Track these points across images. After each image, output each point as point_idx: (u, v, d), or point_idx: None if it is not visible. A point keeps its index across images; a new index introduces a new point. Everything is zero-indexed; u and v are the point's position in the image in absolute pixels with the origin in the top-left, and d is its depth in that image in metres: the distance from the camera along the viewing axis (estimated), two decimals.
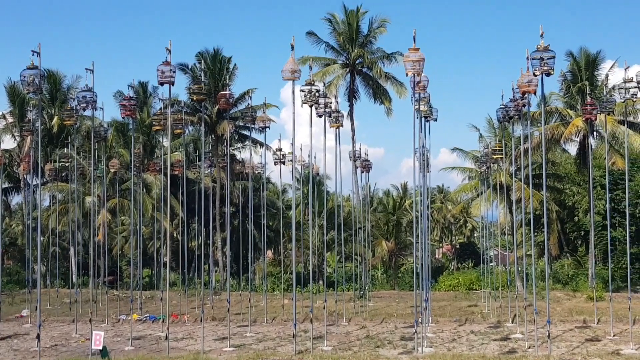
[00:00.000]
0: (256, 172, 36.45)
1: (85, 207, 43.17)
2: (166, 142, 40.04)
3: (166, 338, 18.86)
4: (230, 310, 22.27)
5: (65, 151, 35.41)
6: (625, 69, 20.76)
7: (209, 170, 37.84)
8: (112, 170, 35.72)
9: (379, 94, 47.35)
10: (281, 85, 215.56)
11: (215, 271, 49.01)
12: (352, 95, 46.85)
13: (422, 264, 22.04)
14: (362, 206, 38.60)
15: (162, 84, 18.82)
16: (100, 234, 41.03)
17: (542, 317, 19.71)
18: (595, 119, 27.37)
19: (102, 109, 26.10)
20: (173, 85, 18.67)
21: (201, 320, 20.83)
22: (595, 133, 39.39)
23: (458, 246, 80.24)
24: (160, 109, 27.33)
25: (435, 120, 24.77)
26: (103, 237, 40.61)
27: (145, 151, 45.59)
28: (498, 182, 36.14)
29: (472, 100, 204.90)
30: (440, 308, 30.03)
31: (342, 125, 25.31)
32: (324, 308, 22.43)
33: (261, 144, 45.12)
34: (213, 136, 46.66)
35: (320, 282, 45.11)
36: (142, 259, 35.42)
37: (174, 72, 18.65)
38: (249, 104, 29.64)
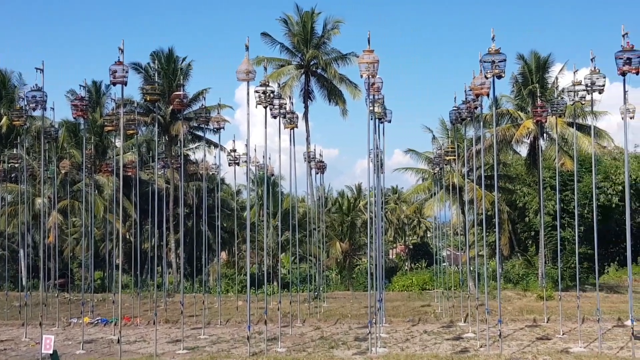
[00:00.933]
0: (210, 173, 36.31)
1: (35, 209, 42.32)
2: (119, 143, 39.56)
3: (118, 341, 18.64)
4: (184, 312, 22.12)
5: (15, 152, 34.68)
6: (574, 72, 21.21)
7: (163, 171, 37.57)
8: (63, 171, 35.16)
9: (334, 95, 47.42)
10: (236, 85, 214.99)
11: (169, 273, 48.56)
12: (307, 96, 46.84)
13: (376, 265, 22.17)
14: (316, 207, 38.70)
15: (114, 84, 18.62)
16: (51, 236, 40.30)
17: (494, 316, 20.02)
18: (545, 121, 27.86)
19: (53, 109, 25.80)
20: (126, 85, 18.47)
21: (154, 323, 20.64)
22: (545, 135, 40.07)
23: (412, 247, 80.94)
24: (113, 109, 27.00)
25: (389, 121, 24.92)
26: (54, 239, 39.88)
27: (97, 152, 44.89)
28: (451, 183, 36.55)
29: (425, 102, 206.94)
30: (394, 308, 30.25)
31: (296, 126, 25.36)
32: (278, 309, 22.43)
33: (215, 145, 44.87)
34: (167, 137, 46.23)
35: (275, 283, 45.08)
36: (94, 261, 34.89)
37: (127, 72, 18.45)
38: (203, 105, 29.52)
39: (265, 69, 23.06)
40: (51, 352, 16.98)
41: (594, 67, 19.18)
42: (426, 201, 48.70)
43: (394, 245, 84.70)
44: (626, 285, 29.63)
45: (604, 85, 19.49)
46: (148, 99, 22.77)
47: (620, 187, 45.08)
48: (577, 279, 22.65)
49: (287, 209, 45.78)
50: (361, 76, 18.57)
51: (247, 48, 18.66)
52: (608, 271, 48.97)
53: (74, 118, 24.31)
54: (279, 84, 42.10)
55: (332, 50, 46.91)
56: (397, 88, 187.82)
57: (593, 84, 19.36)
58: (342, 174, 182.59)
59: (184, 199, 41.03)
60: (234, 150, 28.80)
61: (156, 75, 27.98)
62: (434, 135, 44.19)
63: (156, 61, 44.32)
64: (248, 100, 18.95)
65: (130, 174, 32.15)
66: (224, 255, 64.04)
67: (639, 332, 21.66)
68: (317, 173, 32.89)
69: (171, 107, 38.74)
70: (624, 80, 17.64)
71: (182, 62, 47.25)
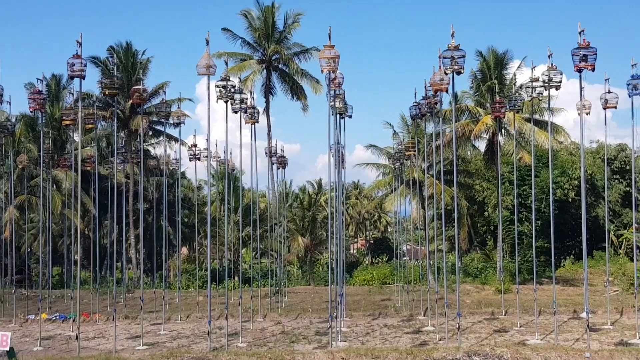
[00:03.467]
0: (171, 168, 36.01)
1: None
2: (77, 137, 39.05)
3: (77, 338, 18.42)
4: (144, 308, 21.95)
5: None
6: (532, 69, 21.54)
7: (122, 166, 37.11)
8: (20, 166, 34.60)
9: (295, 91, 47.45)
10: (196, 80, 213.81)
11: (129, 269, 48.21)
12: (268, 91, 46.79)
13: (337, 259, 22.25)
14: (277, 202, 38.67)
15: (72, 77, 18.38)
16: (7, 232, 39.64)
17: (453, 309, 20.24)
18: (504, 117, 28.22)
19: (9, 102, 25.30)
20: (84, 79, 18.23)
21: (113, 319, 20.44)
22: (503, 130, 40.58)
23: (372, 241, 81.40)
24: (71, 103, 26.63)
25: (350, 117, 25.00)
26: (10, 235, 39.25)
27: (55, 146, 44.35)
28: (411, 178, 36.84)
29: (387, 97, 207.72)
30: (355, 302, 30.41)
31: (257, 122, 25.34)
32: (239, 304, 22.39)
33: (176, 140, 44.43)
34: (126, 131, 45.79)
35: (236, 278, 44.95)
36: (52, 257, 34.44)
37: (85, 65, 18.20)
38: (163, 99, 29.26)
39: (226, 63, 22.98)
40: (7, 349, 16.71)
41: (551, 64, 19.49)
42: (387, 196, 49.05)
43: (355, 240, 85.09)
44: (582, 278, 30.21)
45: (560, 82, 19.81)
46: (107, 93, 22.48)
47: (576, 182, 45.86)
48: (534, 272, 23.00)
49: (248, 204, 45.77)
50: (322, 71, 18.57)
51: (207, 42, 18.55)
52: (564, 264, 49.79)
53: (32, 112, 23.91)
54: (240, 79, 41.83)
55: (294, 45, 46.95)
56: (359, 83, 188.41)
57: (550, 80, 19.66)
58: (304, 169, 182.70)
59: (144, 194, 40.71)
60: (195, 145, 28.64)
61: (115, 69, 27.57)
62: (394, 131, 44.50)
63: (115, 55, 43.84)
64: (209, 95, 18.85)
65: (89, 168, 31.74)
66: (184, 250, 63.69)
67: (594, 324, 22.16)
68: (279, 168, 32.86)
69: (130, 102, 38.35)
70: (580, 76, 17.94)
71: (141, 56, 46.85)
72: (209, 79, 18.74)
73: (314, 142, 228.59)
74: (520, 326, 22.69)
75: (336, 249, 22.73)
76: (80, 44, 18.05)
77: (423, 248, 36.14)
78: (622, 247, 50.14)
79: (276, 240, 39.27)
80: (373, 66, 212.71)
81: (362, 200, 78.64)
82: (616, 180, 52.79)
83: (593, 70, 17.37)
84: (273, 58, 46.34)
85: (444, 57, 18.16)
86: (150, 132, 49.80)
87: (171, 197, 43.38)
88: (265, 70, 46.43)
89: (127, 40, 50.24)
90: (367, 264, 67.45)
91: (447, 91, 20.00)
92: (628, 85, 20.09)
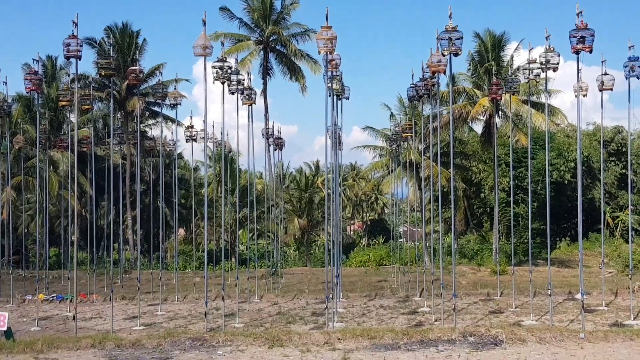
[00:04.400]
0: (167, 149, 36.00)
1: None
2: (74, 118, 38.96)
3: (74, 318, 18.49)
4: (141, 288, 22.03)
5: None
6: (529, 51, 21.50)
7: (119, 147, 37.10)
8: (17, 147, 34.53)
9: (293, 72, 47.33)
10: (194, 61, 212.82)
11: (126, 250, 48.23)
12: (265, 72, 46.66)
13: (333, 241, 22.32)
14: (274, 184, 38.70)
15: (68, 58, 18.28)
16: (5, 212, 39.61)
17: (449, 290, 20.35)
18: (501, 99, 28.21)
19: (6, 83, 25.23)
20: (80, 59, 18.17)
21: (110, 300, 20.54)
22: (500, 112, 40.53)
23: (369, 223, 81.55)
24: (67, 83, 26.56)
25: (348, 98, 24.98)
26: (7, 216, 39.23)
27: (52, 127, 44.26)
28: (408, 160, 36.86)
29: (384, 79, 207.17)
30: (351, 284, 30.55)
31: (255, 103, 25.30)
32: (236, 285, 22.48)
33: (173, 121, 44.48)
34: (123, 112, 45.65)
35: (233, 259, 45.08)
36: (49, 238, 34.50)
37: (81, 45, 18.12)
38: (159, 80, 29.18)
39: (223, 44, 22.88)
40: (5, 329, 16.80)
41: (549, 46, 19.44)
42: (384, 178, 49.05)
43: (352, 221, 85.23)
44: (577, 259, 30.35)
45: (558, 64, 19.77)
46: (103, 73, 22.40)
47: (572, 164, 45.95)
48: (529, 253, 23.12)
49: (245, 186, 45.76)
50: (319, 52, 18.56)
51: (204, 23, 18.47)
52: (560, 246, 49.94)
53: (28, 92, 23.83)
54: (237, 60, 41.80)
55: (293, 24, 46.72)
56: (357, 65, 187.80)
57: (548, 62, 19.62)
58: (301, 151, 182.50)
59: (141, 175, 40.69)
60: (192, 127, 28.61)
61: (111, 49, 27.50)
62: (392, 113, 44.39)
63: (111, 36, 43.59)
64: (205, 75, 18.80)
65: (85, 149, 31.72)
66: (181, 231, 63.78)
67: (589, 305, 22.30)
68: (276, 150, 32.87)
69: (127, 82, 38.22)
70: (578, 58, 17.92)
71: (137, 37, 46.59)
72: (205, 60, 18.69)
73: (311, 124, 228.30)
74: (516, 307, 22.84)
75: (333, 231, 22.80)
76: (76, 25, 17.96)
77: (419, 230, 36.23)
78: (618, 229, 50.32)
79: (273, 221, 39.34)
80: (371, 48, 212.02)
81: (359, 181, 78.71)
82: (612, 163, 52.85)
83: (590, 52, 17.33)
84: (271, 39, 46.17)
85: (442, 39, 18.11)
86: (147, 113, 49.66)
87: (168, 178, 43.43)
88: (262, 52, 46.28)
89: (124, 20, 49.88)
90: (364, 246, 67.56)
91: (444, 73, 19.97)
92: (625, 67, 20.06)
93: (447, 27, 18.00)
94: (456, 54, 18.27)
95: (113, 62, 21.56)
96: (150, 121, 51.46)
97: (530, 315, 20.53)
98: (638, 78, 20.07)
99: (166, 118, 45.63)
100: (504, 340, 15.88)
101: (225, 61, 20.31)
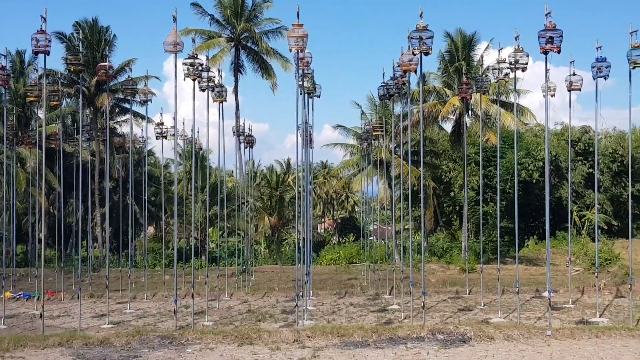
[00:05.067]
0: (137, 146, 35.73)
1: None
2: (42, 114, 38.51)
3: (41, 316, 18.30)
4: (110, 286, 21.84)
5: None
6: (499, 51, 21.69)
7: (88, 144, 36.73)
8: None
9: (265, 69, 47.15)
10: (164, 58, 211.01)
11: (94, 247, 47.77)
12: (237, 69, 46.46)
13: (304, 239, 22.34)
14: (245, 181, 38.62)
15: (36, 53, 18.08)
16: None
17: (418, 288, 20.47)
18: (471, 98, 28.47)
19: None
20: (48, 54, 17.96)
21: (78, 298, 20.36)
22: (470, 111, 40.86)
23: (340, 221, 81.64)
24: (35, 79, 26.24)
25: (319, 96, 24.93)
26: None
27: (19, 123, 43.64)
28: (378, 159, 37.00)
29: (356, 77, 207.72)
30: (322, 281, 30.60)
31: (225, 100, 25.23)
32: (205, 283, 22.40)
33: (143, 117, 44.11)
34: (92, 109, 45.22)
35: (203, 257, 44.88)
36: (16, 235, 34.05)
37: (50, 41, 17.91)
38: (129, 76, 28.96)
39: (194, 41, 22.75)
40: None
41: (518, 46, 19.62)
42: (354, 176, 49.21)
43: (323, 219, 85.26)
44: (544, 258, 30.70)
45: (527, 64, 19.95)
46: (72, 69, 22.12)
47: (540, 163, 46.44)
48: (498, 252, 23.36)
49: (215, 183, 45.62)
50: (290, 50, 18.52)
51: (174, 19, 18.36)
52: (528, 244, 50.44)
53: None
54: (207, 57, 41.53)
55: (265, 20, 46.53)
56: (328, 64, 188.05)
57: (517, 62, 19.80)
58: (272, 149, 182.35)
59: (110, 172, 40.29)
60: (162, 124, 28.44)
61: (80, 45, 27.18)
62: (362, 111, 44.55)
63: (80, 31, 43.14)
64: (176, 72, 18.67)
65: (53, 146, 31.36)
66: (151, 229, 63.36)
67: (556, 302, 22.58)
68: (246, 147, 32.77)
69: (96, 79, 37.91)
70: (546, 58, 18.09)
71: (107, 33, 46.14)
72: (176, 57, 18.58)
73: (282, 122, 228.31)
74: (484, 305, 23.05)
75: (303, 229, 22.81)
76: (45, 20, 17.75)
77: (390, 228, 36.39)
78: (585, 228, 51.02)
79: (243, 219, 39.26)
80: (343, 47, 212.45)
81: (330, 180, 78.75)
82: (580, 162, 53.54)
83: (559, 52, 17.51)
84: (242, 36, 45.97)
85: (412, 38, 18.16)
86: (117, 110, 49.23)
87: (138, 175, 43.05)
88: (234, 49, 46.07)
89: (93, 16, 49.34)
90: (334, 244, 67.69)
91: (415, 72, 20.05)
92: (593, 67, 20.29)
93: (418, 26, 18.06)
94: (427, 53, 18.35)
95: (82, 57, 21.37)
96: (120, 118, 51.01)
97: (498, 313, 20.74)
98: (605, 79, 20.29)
99: (136, 115, 45.27)
100: (472, 337, 16.02)
101: (196, 58, 20.23)
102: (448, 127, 44.52)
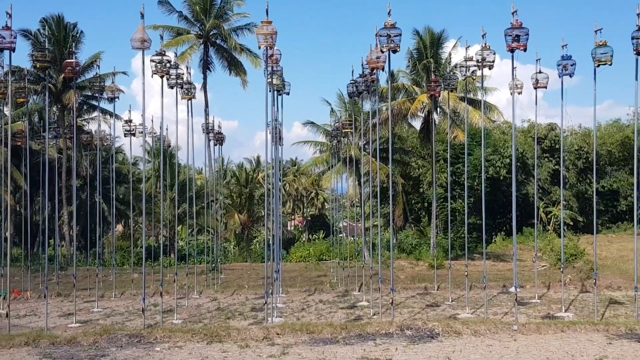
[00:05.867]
0: (105, 143, 35.41)
1: None
2: (7, 111, 37.97)
3: (7, 315, 18.08)
4: (77, 285, 21.65)
5: None
6: (466, 49, 21.87)
7: (55, 141, 36.31)
8: None
9: (234, 66, 47.02)
10: (132, 54, 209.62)
11: (62, 246, 47.29)
12: (206, 66, 46.26)
13: (273, 236, 22.34)
14: (214, 179, 38.48)
15: (2, 49, 17.84)
16: None
17: (387, 285, 20.58)
18: (439, 96, 28.61)
19: None
20: (14, 51, 17.73)
21: (45, 297, 20.14)
22: (438, 109, 41.14)
23: (310, 218, 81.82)
24: (1, 76, 25.88)
25: (288, 94, 24.99)
26: None
27: None
28: (348, 156, 37.10)
29: (325, 74, 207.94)
30: (291, 279, 30.61)
31: (194, 97, 25.07)
32: (174, 281, 22.31)
33: (110, 115, 43.70)
34: (59, 106, 44.71)
35: (172, 255, 44.64)
36: None
37: (15, 37, 17.68)
38: (97, 73, 28.72)
39: (162, 37, 22.62)
40: None
41: (485, 44, 19.79)
42: (324, 173, 49.29)
43: (292, 217, 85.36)
44: (511, 253, 31.05)
45: (493, 61, 20.10)
46: (38, 66, 21.85)
47: (508, 160, 47.00)
48: (466, 248, 23.56)
49: (184, 181, 45.39)
50: (259, 47, 18.46)
51: (142, 16, 18.23)
52: (495, 240, 51.03)
53: None
54: (176, 54, 41.36)
55: (234, 15, 46.37)
56: (298, 61, 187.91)
57: (484, 60, 19.94)
58: (242, 146, 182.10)
59: (78, 170, 39.92)
60: (130, 121, 28.20)
61: (47, 42, 26.82)
62: (332, 109, 44.60)
63: (46, 27, 42.59)
64: (143, 69, 18.56)
65: (20, 144, 30.95)
66: (119, 227, 62.84)
67: (522, 298, 22.88)
68: (216, 145, 32.67)
69: (63, 75, 37.44)
70: (512, 56, 18.32)
71: (74, 29, 45.65)
72: (143, 54, 18.47)
73: (252, 119, 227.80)
74: (452, 301, 23.26)
75: (273, 226, 22.82)
76: (10, 16, 17.52)
77: (359, 225, 36.55)
78: (551, 224, 51.74)
79: (213, 217, 39.12)
80: (312, 44, 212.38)
81: (300, 177, 78.86)
82: (546, 159, 54.32)
83: (525, 50, 17.69)
84: (211, 33, 45.79)
85: (381, 35, 18.19)
86: (84, 107, 48.74)
87: (106, 173, 42.70)
88: (203, 46, 45.87)
89: (59, 12, 48.84)
90: (304, 241, 67.81)
91: (383, 69, 20.08)
92: (558, 65, 20.55)
93: (386, 23, 18.08)
94: (395, 51, 18.38)
95: (49, 54, 21.10)
96: (88, 115, 50.52)
97: (466, 309, 20.94)
98: (571, 77, 20.55)
99: (104, 112, 44.84)
100: (440, 333, 16.17)
101: (164, 55, 20.13)
102: (417, 124, 44.83)
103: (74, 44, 43.65)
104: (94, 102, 46.01)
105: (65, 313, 21.84)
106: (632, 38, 16.97)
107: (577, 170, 57.64)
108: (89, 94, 44.99)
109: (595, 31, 18.20)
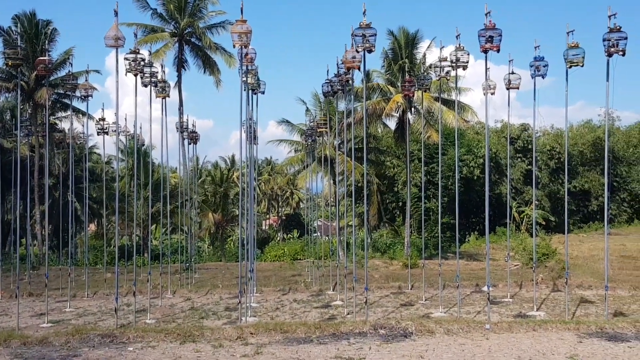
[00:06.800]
0: (78, 142, 35.15)
1: None
2: None
3: None
4: (50, 285, 21.45)
5: None
6: (441, 49, 21.99)
7: (27, 139, 35.96)
8: None
9: (209, 65, 46.88)
10: (106, 52, 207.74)
11: (34, 245, 46.85)
12: (180, 65, 46.06)
13: (248, 235, 22.30)
14: (189, 178, 38.33)
15: None
16: None
17: (361, 284, 20.64)
18: (413, 96, 28.77)
19: None
20: None
21: (16, 296, 19.94)
22: (413, 109, 41.31)
23: (284, 217, 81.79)
24: None
25: (263, 93, 24.96)
26: None
27: None
28: (323, 155, 37.13)
29: (301, 73, 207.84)
30: (266, 278, 30.57)
31: (168, 96, 24.95)
32: (148, 281, 22.19)
33: (83, 113, 43.39)
34: (31, 104, 44.27)
35: (145, 254, 44.39)
36: None
37: None
38: (69, 71, 28.44)
39: (136, 35, 22.46)
40: None
41: (459, 44, 19.91)
42: (299, 173, 49.34)
43: (267, 216, 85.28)
44: (485, 253, 31.29)
45: (467, 62, 20.22)
46: (10, 63, 21.64)
47: (481, 160, 47.39)
48: (439, 247, 23.68)
49: (158, 180, 45.12)
50: (234, 46, 18.38)
51: (116, 14, 18.10)
52: (469, 240, 51.37)
53: None
54: (150, 52, 41.11)
55: (209, 13, 46.24)
56: (273, 60, 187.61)
57: (458, 60, 20.05)
58: (217, 145, 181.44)
59: (50, 168, 39.54)
60: (103, 119, 27.97)
61: (19, 39, 26.49)
62: (307, 108, 44.62)
63: (19, 24, 42.15)
64: (117, 67, 18.43)
65: None
66: (92, 226, 62.36)
67: (495, 297, 23.06)
68: (190, 144, 32.50)
69: (35, 73, 37.10)
70: (486, 57, 18.40)
71: (47, 26, 45.23)
72: (117, 52, 18.34)
73: (227, 118, 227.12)
74: (426, 300, 23.38)
75: (247, 225, 22.78)
76: None
77: (334, 224, 36.62)
78: (523, 223, 52.21)
79: (187, 216, 38.95)
80: (288, 44, 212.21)
81: (275, 176, 78.80)
82: (519, 159, 54.78)
83: (498, 51, 17.80)
84: (186, 31, 45.59)
85: (356, 35, 18.21)
86: (57, 105, 48.29)
87: (79, 172, 42.35)
88: (177, 44, 45.65)
89: (32, 9, 48.32)
90: (279, 240, 67.80)
91: (359, 69, 20.09)
92: (531, 66, 20.72)
93: (362, 23, 18.11)
94: (370, 51, 18.43)
95: (21, 51, 20.87)
96: (61, 113, 50.08)
97: (440, 308, 21.06)
98: (543, 77, 20.74)
99: (77, 110, 44.49)
100: (413, 332, 16.24)
101: (138, 53, 20.00)
102: (392, 124, 44.98)
103: (47, 42, 43.26)
104: (67, 101, 45.68)
105: (37, 313, 21.63)
106: (604, 40, 17.15)
107: (549, 170, 58.22)
108: (62, 91, 44.64)
109: (568, 33, 18.39)
